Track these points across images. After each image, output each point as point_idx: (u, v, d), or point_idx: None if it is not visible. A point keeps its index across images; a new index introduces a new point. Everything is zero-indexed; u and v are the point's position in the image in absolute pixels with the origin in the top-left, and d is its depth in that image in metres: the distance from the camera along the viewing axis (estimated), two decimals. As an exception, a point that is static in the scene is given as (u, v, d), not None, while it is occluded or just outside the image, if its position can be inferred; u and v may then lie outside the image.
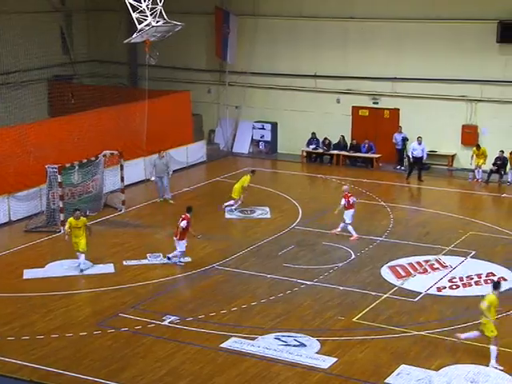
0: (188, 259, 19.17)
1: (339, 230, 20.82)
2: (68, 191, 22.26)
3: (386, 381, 13.25)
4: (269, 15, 31.03)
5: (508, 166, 26.89)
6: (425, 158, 27.33)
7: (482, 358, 13.97)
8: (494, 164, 26.82)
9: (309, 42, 30.33)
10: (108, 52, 32.45)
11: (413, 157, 27.19)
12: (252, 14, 31.23)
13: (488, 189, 26.46)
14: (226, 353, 14.27)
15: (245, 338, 14.85)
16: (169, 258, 18.88)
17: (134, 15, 20.85)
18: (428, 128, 28.25)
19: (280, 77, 31.01)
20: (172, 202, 24.03)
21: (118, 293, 17.15)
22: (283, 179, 27.78)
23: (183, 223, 18.47)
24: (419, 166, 27.12)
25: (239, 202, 23.28)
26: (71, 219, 18.44)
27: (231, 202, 23.21)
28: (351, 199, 20.79)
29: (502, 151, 26.68)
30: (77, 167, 22.47)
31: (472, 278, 17.92)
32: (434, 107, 28.56)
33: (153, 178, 24.33)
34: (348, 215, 20.68)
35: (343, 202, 20.68)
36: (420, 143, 27.08)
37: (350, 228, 20.66)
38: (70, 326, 15.45)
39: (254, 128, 31.71)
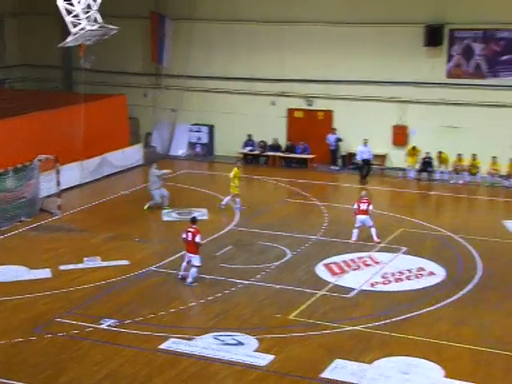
0: (126, 262, 18.97)
1: (376, 239, 20.46)
2: (2, 197, 21.74)
3: (321, 376, 13.39)
4: (204, 19, 31.01)
5: (436, 165, 27.65)
6: (371, 160, 27.76)
7: (413, 350, 14.26)
8: (421, 164, 27.58)
9: (244, 45, 30.45)
10: (41, 56, 31.84)
11: (359, 159, 27.63)
12: (188, 18, 31.15)
13: (418, 187, 27.08)
14: (164, 354, 14.16)
15: (183, 338, 14.77)
16: (192, 283, 17.41)
17: (68, 19, 20.47)
18: (360, 129, 28.69)
19: (216, 80, 31.02)
20: (168, 208, 23.32)
21: (55, 297, 16.82)
22: (220, 181, 27.70)
23: (198, 238, 17.28)
24: (368, 167, 27.55)
25: (229, 199, 23.29)
26: None
27: (231, 198, 23.23)
28: (362, 205, 20.48)
29: (428, 152, 27.46)
30: (11, 172, 21.96)
31: (403, 274, 18.27)
32: (366, 108, 29.05)
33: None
34: (357, 220, 20.48)
35: (355, 206, 20.60)
36: (366, 145, 27.54)
37: (354, 230, 20.48)
38: (4, 333, 15.05)
39: (190, 131, 31.65)
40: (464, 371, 13.47)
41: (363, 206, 20.49)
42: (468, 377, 13.25)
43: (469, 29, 27.47)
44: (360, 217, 20.49)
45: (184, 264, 17.63)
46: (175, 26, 31.07)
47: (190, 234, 17.35)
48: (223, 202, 23.41)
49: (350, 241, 20.43)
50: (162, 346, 14.41)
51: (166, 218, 22.84)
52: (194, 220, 17.81)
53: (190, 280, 17.48)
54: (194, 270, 17.42)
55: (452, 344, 14.52)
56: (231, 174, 23.45)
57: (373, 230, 20.46)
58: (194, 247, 17.32)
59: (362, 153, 27.63)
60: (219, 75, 30.99)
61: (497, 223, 22.34)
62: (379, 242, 20.28)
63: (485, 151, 27.04)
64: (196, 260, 17.38)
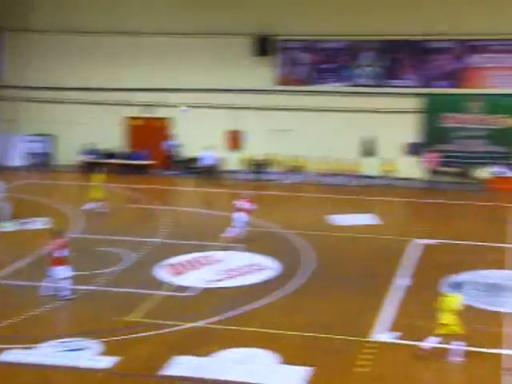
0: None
1: (227, 235, 20.42)
2: None
3: (160, 373, 13.14)
4: (40, 30, 29.94)
5: (268, 166, 28.38)
6: (215, 165, 27.83)
7: (251, 341, 14.38)
8: (255, 166, 28.25)
9: (81, 56, 29.73)
10: None
11: (203, 165, 27.65)
12: (24, 29, 29.86)
13: (251, 187, 27.52)
14: (2, 366, 13.27)
15: (23, 348, 13.93)
16: (66, 295, 16.22)
17: None
18: (197, 134, 28.90)
19: (54, 90, 29.99)
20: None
21: None
22: (60, 190, 26.82)
23: (65, 252, 16.14)
24: (212, 172, 27.55)
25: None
26: None
27: (96, 204, 22.71)
28: (238, 204, 20.50)
29: (260, 155, 28.14)
30: None
31: (241, 270, 18.44)
32: (203, 115, 29.25)
33: None
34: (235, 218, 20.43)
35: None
36: (209, 151, 27.60)
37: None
38: None
39: (29, 141, 30.38)
40: (298, 357, 13.75)
41: (242, 205, 20.63)
42: (302, 361, 13.52)
43: (296, 40, 28.47)
44: (236, 214, 20.50)
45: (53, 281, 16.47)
46: (11, 36, 29.71)
47: (53, 246, 16.30)
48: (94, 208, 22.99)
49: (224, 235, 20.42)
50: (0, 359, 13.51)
51: (2, 229, 21.58)
52: (57, 233, 16.88)
53: (64, 293, 16.34)
54: (64, 282, 16.28)
55: (286, 332, 14.79)
56: (98, 181, 23.04)
57: (235, 229, 20.40)
58: (58, 260, 16.21)
59: (205, 158, 27.74)
60: (57, 85, 30.01)
61: (324, 218, 23.18)
62: (229, 242, 20.23)
63: (313, 152, 28.12)
64: (63, 272, 16.20)
